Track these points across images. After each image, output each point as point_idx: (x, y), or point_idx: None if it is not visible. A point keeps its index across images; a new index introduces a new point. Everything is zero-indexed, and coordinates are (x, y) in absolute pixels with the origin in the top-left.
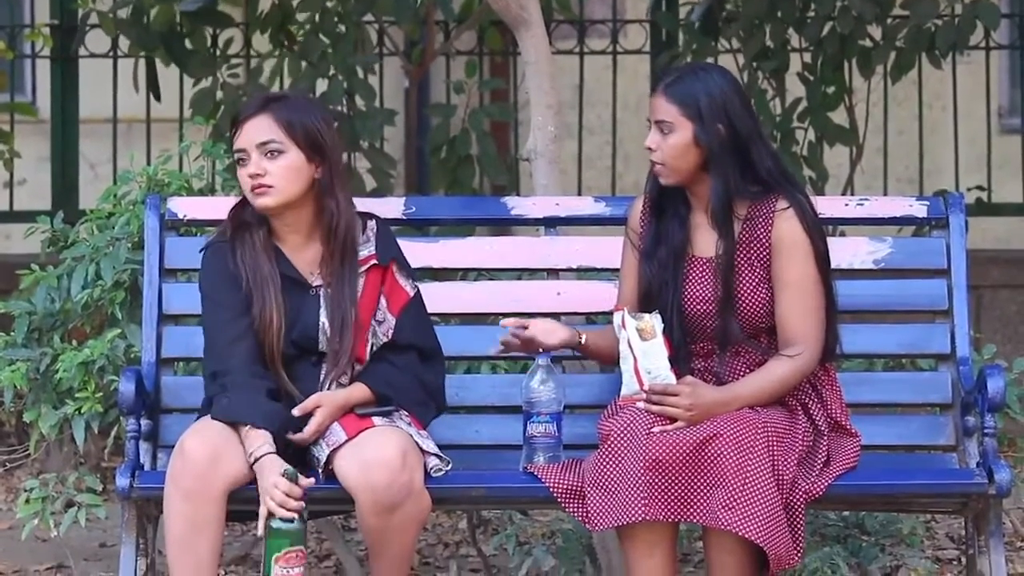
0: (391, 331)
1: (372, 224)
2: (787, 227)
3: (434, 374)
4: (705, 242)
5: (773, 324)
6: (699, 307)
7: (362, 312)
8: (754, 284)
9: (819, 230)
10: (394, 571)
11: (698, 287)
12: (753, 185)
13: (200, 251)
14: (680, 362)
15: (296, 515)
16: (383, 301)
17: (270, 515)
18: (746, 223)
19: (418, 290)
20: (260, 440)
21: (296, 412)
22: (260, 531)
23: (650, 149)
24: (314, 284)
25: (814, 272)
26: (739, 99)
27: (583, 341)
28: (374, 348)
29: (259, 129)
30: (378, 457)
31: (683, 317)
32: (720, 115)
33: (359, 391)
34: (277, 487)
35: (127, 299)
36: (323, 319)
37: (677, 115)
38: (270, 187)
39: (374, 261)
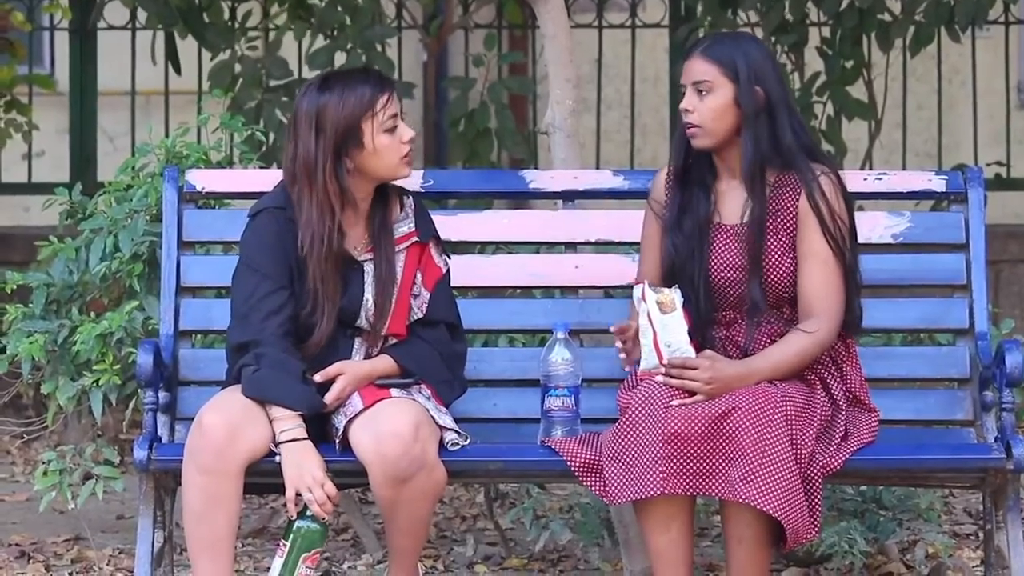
0: (425, 305)
1: (409, 200)
2: (814, 198)
3: (461, 352)
4: (731, 209)
5: (796, 295)
6: (725, 274)
7: (401, 288)
8: (780, 252)
9: (847, 203)
10: (409, 543)
11: (724, 254)
12: (782, 153)
13: (249, 215)
14: (702, 330)
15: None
16: (419, 276)
17: (301, 512)
18: (774, 191)
19: (448, 267)
20: (292, 422)
21: (318, 378)
22: (293, 515)
23: (687, 111)
24: (360, 259)
25: (837, 246)
26: (772, 67)
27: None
28: (409, 322)
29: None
30: (390, 428)
31: (709, 285)
32: (758, 79)
33: (384, 363)
34: (323, 487)
35: (145, 271)
36: (367, 295)
37: (717, 75)
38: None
39: (415, 238)
